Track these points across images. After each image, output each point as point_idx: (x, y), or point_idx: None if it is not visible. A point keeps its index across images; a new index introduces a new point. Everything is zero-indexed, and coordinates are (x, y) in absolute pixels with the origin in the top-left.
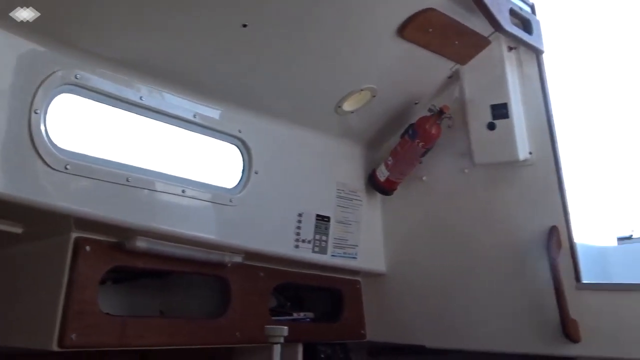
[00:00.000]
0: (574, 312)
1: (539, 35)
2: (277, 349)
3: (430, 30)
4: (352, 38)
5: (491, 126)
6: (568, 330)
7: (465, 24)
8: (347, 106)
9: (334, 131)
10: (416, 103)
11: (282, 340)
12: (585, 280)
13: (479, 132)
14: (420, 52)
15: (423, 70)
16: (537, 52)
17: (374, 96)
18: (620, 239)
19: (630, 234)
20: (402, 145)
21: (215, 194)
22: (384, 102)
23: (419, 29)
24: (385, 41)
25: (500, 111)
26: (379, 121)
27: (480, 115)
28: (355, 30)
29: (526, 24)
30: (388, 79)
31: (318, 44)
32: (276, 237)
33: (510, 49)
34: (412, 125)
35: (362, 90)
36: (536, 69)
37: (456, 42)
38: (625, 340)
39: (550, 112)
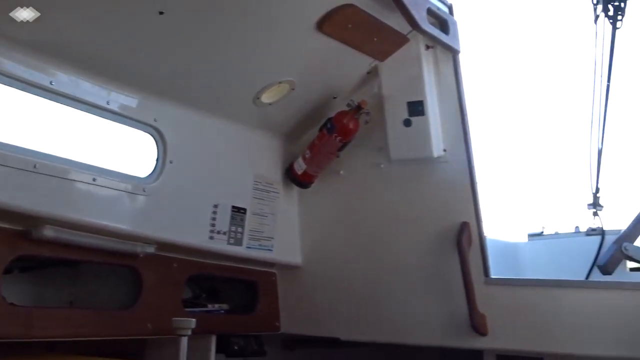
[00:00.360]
0: (482, 306)
1: (456, 36)
2: (184, 341)
3: (350, 26)
4: (271, 30)
5: (407, 123)
6: (476, 323)
7: (384, 21)
8: (265, 98)
9: (253, 123)
10: (335, 97)
11: (189, 332)
12: (497, 275)
13: (395, 128)
14: (340, 47)
15: (342, 65)
16: (453, 52)
17: (293, 89)
18: (531, 235)
19: (541, 230)
20: (320, 139)
21: (128, 183)
22: (302, 95)
23: (338, 24)
24: (305, 35)
25: (417, 108)
26: (297, 114)
27: (397, 112)
28: (275, 23)
29: (443, 24)
30: (307, 73)
31: (237, 34)
32: (190, 228)
33: (427, 47)
34: (330, 119)
35: (280, 82)
36: (452, 68)
37: (375, 39)
38: (531, 334)
39: (464, 111)
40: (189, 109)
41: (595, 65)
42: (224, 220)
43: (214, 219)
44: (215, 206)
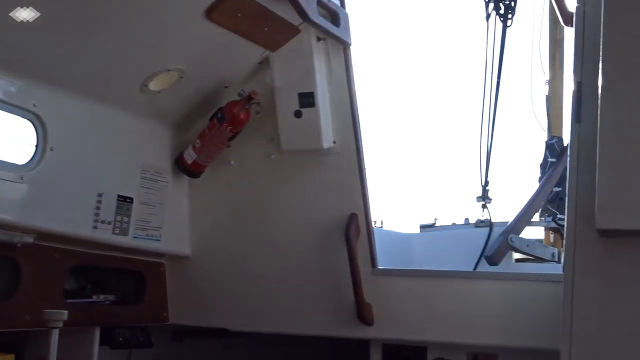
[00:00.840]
0: (369, 297)
1: (347, 28)
2: (54, 334)
3: (239, 14)
4: (158, 17)
5: (298, 114)
6: (362, 313)
7: (275, 12)
8: (153, 86)
9: (140, 111)
10: (226, 87)
11: (60, 324)
12: (389, 266)
13: (286, 120)
14: (230, 36)
15: (233, 54)
16: (344, 45)
17: (182, 77)
18: (423, 227)
19: (433, 222)
20: (210, 129)
21: (4, 171)
22: (192, 83)
23: (227, 12)
24: (194, 23)
25: (307, 100)
26: (188, 103)
27: (288, 103)
28: (162, 10)
29: (334, 16)
30: (197, 61)
31: (123, 21)
32: (73, 217)
33: (319, 39)
34: (221, 108)
35: (169, 70)
36: (343, 60)
37: (266, 29)
38: (415, 323)
39: (354, 103)
40: (72, 96)
41: (486, 62)
42: (109, 210)
43: (98, 208)
44: (100, 195)
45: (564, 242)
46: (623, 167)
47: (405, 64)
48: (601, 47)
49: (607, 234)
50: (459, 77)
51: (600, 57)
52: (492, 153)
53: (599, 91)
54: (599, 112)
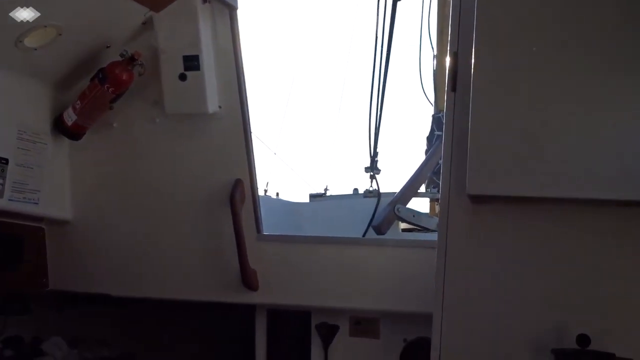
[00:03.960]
0: (253, 262)
1: None
2: None
3: None
4: None
5: (182, 77)
6: (247, 279)
7: None
8: (29, 42)
9: (16, 68)
10: (108, 47)
11: None
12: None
13: (170, 82)
14: None
15: (115, 13)
16: (230, 8)
17: (60, 34)
18: (312, 196)
19: (323, 191)
20: (92, 89)
21: None
22: (72, 41)
23: None
24: None
25: (192, 63)
26: (67, 62)
27: (172, 65)
28: None
29: None
30: (76, 18)
31: None
32: None
33: (204, 1)
34: (102, 69)
35: (46, 26)
36: (229, 24)
37: None
38: (299, 289)
39: (240, 68)
40: None
41: (377, 35)
42: None
43: None
44: None
45: (439, 208)
46: (491, 136)
47: (296, 31)
48: (475, 19)
49: (477, 200)
50: (351, 48)
51: (474, 28)
52: (381, 125)
53: (472, 61)
54: (471, 80)
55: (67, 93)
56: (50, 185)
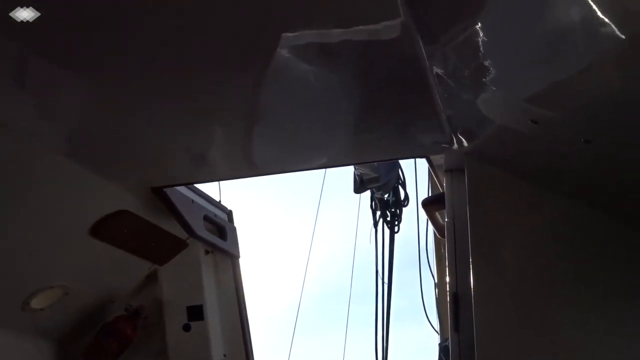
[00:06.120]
0: None
1: (235, 241)
2: None
3: (126, 231)
4: (41, 235)
5: (187, 327)
6: None
7: (162, 227)
8: (36, 303)
9: (20, 329)
10: (113, 301)
11: None
12: None
13: (175, 333)
14: (116, 251)
15: (120, 269)
16: (232, 257)
17: (67, 294)
18: None
19: None
20: (96, 345)
21: None
22: (77, 299)
23: (113, 229)
24: (78, 240)
25: (196, 313)
26: (72, 319)
27: (176, 316)
28: (45, 228)
29: (221, 231)
30: (82, 277)
31: (2, 237)
32: None
33: (207, 252)
34: (106, 324)
35: (52, 287)
36: (231, 272)
37: (153, 244)
38: None
39: (244, 314)
40: None
41: (377, 266)
42: None
43: None
44: None
45: None
46: None
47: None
48: (470, 260)
49: None
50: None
51: (471, 269)
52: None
53: (472, 301)
54: (474, 321)
55: (71, 349)
56: None
